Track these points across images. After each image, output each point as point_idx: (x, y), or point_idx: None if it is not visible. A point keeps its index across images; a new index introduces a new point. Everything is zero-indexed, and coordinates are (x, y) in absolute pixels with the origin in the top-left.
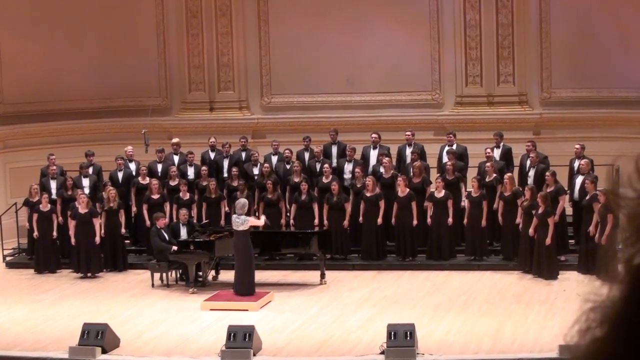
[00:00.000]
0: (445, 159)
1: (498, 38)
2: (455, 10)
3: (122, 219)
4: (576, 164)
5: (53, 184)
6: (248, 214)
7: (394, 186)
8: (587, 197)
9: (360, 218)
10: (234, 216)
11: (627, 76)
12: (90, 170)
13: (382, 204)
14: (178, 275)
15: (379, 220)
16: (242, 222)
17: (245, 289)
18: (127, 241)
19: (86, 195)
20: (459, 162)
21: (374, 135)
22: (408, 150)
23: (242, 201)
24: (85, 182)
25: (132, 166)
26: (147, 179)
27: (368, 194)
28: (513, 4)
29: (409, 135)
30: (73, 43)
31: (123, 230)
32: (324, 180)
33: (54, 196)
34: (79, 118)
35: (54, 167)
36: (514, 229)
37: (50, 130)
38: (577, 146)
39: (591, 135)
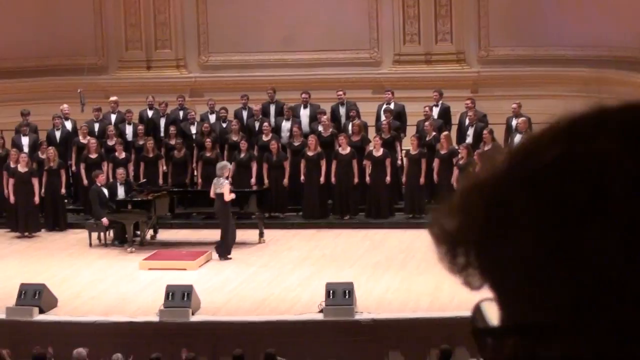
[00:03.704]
0: (382, 117)
1: None
2: None
3: (63, 179)
4: (514, 123)
5: None
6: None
7: (333, 145)
8: None
9: (302, 177)
10: (215, 179)
11: (564, 34)
12: (28, 129)
13: (323, 162)
14: (111, 236)
15: (322, 179)
16: (220, 185)
17: (221, 250)
18: (66, 200)
19: (26, 154)
20: (394, 121)
21: (304, 94)
22: (342, 110)
23: (222, 163)
24: (25, 140)
25: (69, 125)
26: (88, 137)
27: (310, 153)
28: None
29: (340, 94)
30: (7, 0)
31: (63, 190)
32: (264, 138)
33: None
34: (14, 77)
35: None
36: (450, 187)
37: None
38: (514, 105)
39: (529, 93)
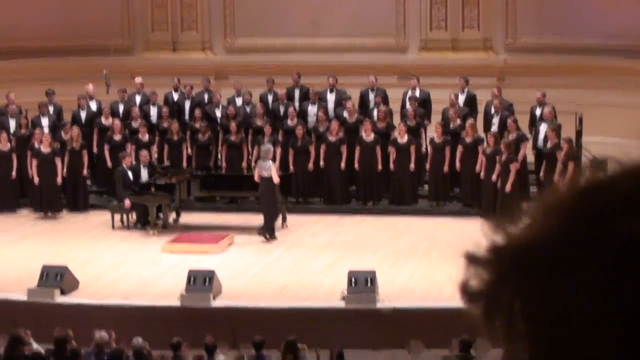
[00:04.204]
0: (407, 104)
1: None
2: None
3: (85, 160)
4: (538, 112)
5: (12, 123)
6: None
7: (358, 130)
8: (549, 145)
9: (322, 162)
10: (260, 161)
11: (592, 23)
12: (51, 109)
13: (344, 148)
14: (134, 218)
15: (342, 165)
16: (267, 168)
17: (264, 231)
18: (88, 182)
19: (49, 135)
20: (419, 108)
21: (330, 79)
22: (371, 95)
23: (267, 146)
24: (45, 121)
25: (93, 105)
26: (110, 119)
27: (332, 138)
28: None
29: (372, 79)
30: None
31: (85, 172)
32: (289, 123)
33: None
34: (40, 56)
35: (14, 107)
36: (473, 175)
37: (9, 69)
38: (539, 94)
39: (555, 82)
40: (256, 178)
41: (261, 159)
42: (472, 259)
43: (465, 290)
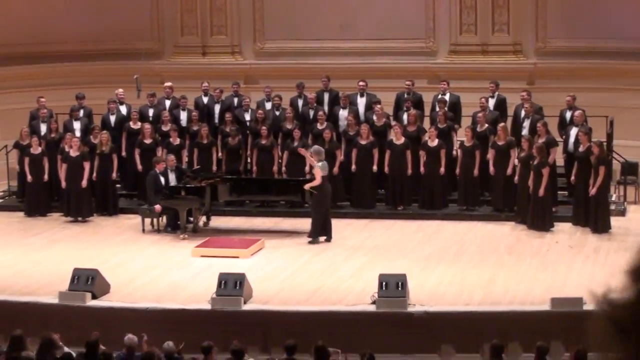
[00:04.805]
0: (437, 108)
1: None
2: None
3: (115, 164)
4: (568, 115)
5: (43, 127)
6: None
7: (386, 134)
8: (582, 149)
9: (353, 166)
10: (321, 163)
11: (622, 27)
12: (81, 113)
13: (375, 152)
14: (164, 222)
15: (374, 168)
16: (323, 168)
17: (311, 232)
18: (117, 185)
19: (78, 139)
20: (449, 112)
21: (361, 82)
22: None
23: (319, 147)
24: (76, 125)
25: (123, 109)
26: (139, 123)
27: (363, 142)
28: None
29: (409, 84)
30: None
31: (114, 175)
32: (319, 126)
33: None
34: (70, 60)
35: (45, 110)
36: (505, 179)
37: (40, 73)
38: (569, 97)
39: (585, 86)
40: (318, 180)
41: (320, 160)
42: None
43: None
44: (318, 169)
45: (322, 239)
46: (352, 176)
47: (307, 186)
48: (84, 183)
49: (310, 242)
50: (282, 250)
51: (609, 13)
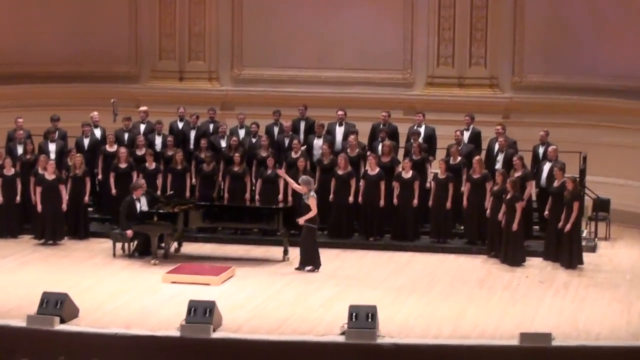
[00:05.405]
0: (412, 139)
1: (472, 19)
2: None
3: (87, 187)
4: (541, 150)
5: (20, 148)
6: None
7: (359, 164)
8: (556, 184)
9: (331, 196)
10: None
11: (598, 63)
12: (56, 135)
13: (352, 182)
14: (133, 247)
15: (350, 199)
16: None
17: (301, 260)
18: (90, 209)
19: (53, 161)
20: (424, 143)
21: (339, 112)
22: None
23: (308, 177)
24: (52, 147)
25: (98, 132)
26: (115, 146)
27: (340, 172)
28: None
29: (385, 115)
30: (43, 5)
31: (87, 199)
32: (293, 155)
33: None
34: (47, 82)
35: (22, 132)
36: (479, 212)
37: (17, 93)
38: (542, 132)
39: (559, 121)
40: (315, 211)
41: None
42: None
43: None
44: (313, 199)
45: (308, 268)
46: (329, 206)
47: (302, 220)
48: (64, 207)
49: (297, 268)
50: (253, 278)
51: (584, 50)
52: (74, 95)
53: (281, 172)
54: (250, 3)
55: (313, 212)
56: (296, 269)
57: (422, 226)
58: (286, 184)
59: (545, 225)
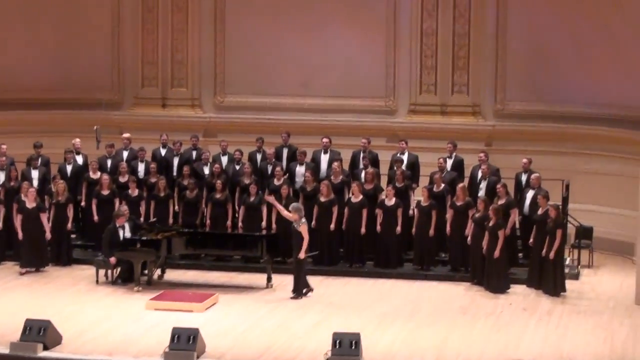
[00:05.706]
0: (394, 167)
1: (454, 47)
2: (412, 17)
3: (70, 214)
4: (524, 178)
5: (2, 175)
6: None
7: (343, 191)
8: (540, 212)
9: (313, 222)
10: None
11: (580, 91)
12: (39, 162)
13: (335, 209)
14: (116, 274)
15: (332, 226)
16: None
17: (295, 288)
18: (73, 235)
19: (35, 189)
20: (407, 171)
21: (325, 139)
22: (362, 157)
23: (298, 205)
24: (35, 174)
25: (80, 159)
26: (98, 173)
27: (322, 199)
28: (470, 14)
29: (364, 142)
30: (27, 33)
31: (70, 225)
32: (276, 182)
33: None
34: (30, 108)
35: (4, 158)
36: (462, 240)
37: (0, 120)
38: (525, 160)
39: (542, 149)
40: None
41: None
42: None
43: None
44: (304, 226)
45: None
46: (313, 233)
47: (303, 255)
48: (48, 235)
49: (293, 297)
50: (237, 304)
51: (566, 79)
52: (56, 122)
53: (271, 198)
54: (232, 30)
55: (306, 240)
56: (292, 297)
57: (405, 253)
58: (270, 211)
59: (528, 253)
